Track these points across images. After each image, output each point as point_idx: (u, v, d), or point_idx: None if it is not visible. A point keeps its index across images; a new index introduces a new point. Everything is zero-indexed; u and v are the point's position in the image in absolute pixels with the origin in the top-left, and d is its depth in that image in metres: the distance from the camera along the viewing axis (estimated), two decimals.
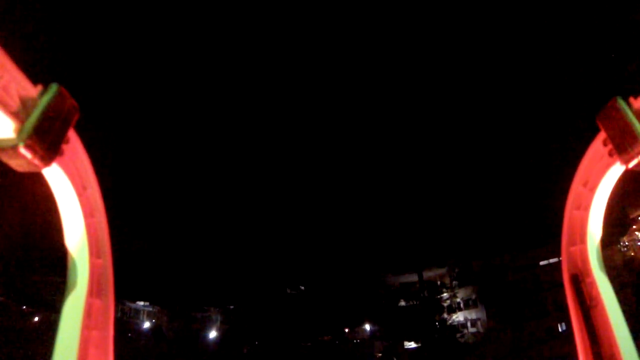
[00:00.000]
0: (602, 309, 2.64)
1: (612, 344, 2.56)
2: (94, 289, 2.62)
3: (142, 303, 60.37)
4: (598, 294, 2.69)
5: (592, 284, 2.74)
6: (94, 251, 2.62)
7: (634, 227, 50.14)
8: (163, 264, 56.06)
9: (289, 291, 60.67)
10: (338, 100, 67.04)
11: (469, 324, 52.15)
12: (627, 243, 51.78)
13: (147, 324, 60.03)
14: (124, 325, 52.26)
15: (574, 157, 2.81)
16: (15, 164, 2.03)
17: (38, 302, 39.38)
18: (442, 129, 62.07)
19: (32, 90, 2.06)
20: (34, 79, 2.08)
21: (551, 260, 47.90)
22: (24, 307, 40.91)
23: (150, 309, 61.21)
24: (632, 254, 50.23)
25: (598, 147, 2.56)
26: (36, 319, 40.98)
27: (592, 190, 2.70)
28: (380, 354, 52.78)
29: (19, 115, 1.95)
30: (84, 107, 2.37)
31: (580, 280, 2.81)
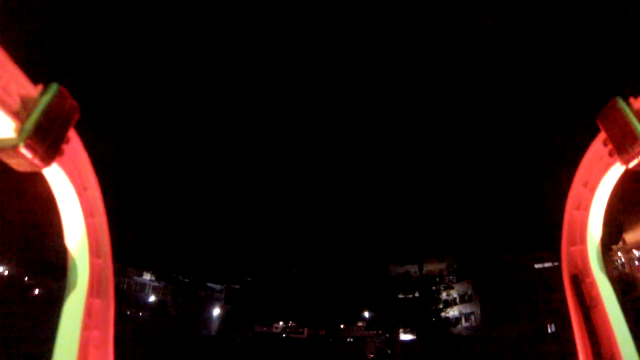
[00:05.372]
0: (602, 309, 2.63)
1: (612, 344, 2.55)
2: (94, 289, 2.62)
3: (148, 277, 60.87)
4: (598, 294, 2.68)
5: (592, 284, 2.73)
6: (94, 251, 2.62)
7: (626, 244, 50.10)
8: (172, 240, 56.52)
9: (294, 270, 61.05)
10: (349, 93, 67.20)
11: (463, 319, 53.22)
12: (623, 260, 51.79)
13: (152, 298, 60.60)
14: (129, 299, 52.93)
15: (574, 157, 2.80)
16: (15, 163, 2.03)
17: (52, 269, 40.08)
18: (446, 128, 62.30)
19: (32, 90, 2.06)
20: (34, 79, 2.08)
21: (546, 265, 49.25)
22: (26, 278, 41.87)
23: (156, 284, 61.70)
24: (628, 271, 50.23)
25: (598, 147, 2.56)
26: (36, 291, 41.78)
27: (592, 190, 2.70)
28: (372, 355, 53.10)
29: (19, 115, 1.95)
30: (84, 107, 2.37)
31: (580, 280, 2.80)
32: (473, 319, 52.10)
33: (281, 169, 66.81)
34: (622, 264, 51.35)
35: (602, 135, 2.50)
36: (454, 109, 59.35)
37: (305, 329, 60.40)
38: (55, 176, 2.31)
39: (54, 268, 39.05)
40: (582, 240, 2.83)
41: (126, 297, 51.24)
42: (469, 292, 52.96)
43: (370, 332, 57.73)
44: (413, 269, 56.03)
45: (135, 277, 58.84)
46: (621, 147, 2.30)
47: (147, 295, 60.31)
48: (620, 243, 49.73)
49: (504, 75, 52.43)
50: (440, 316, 51.75)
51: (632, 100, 2.29)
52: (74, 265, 2.54)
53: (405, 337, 53.43)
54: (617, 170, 2.51)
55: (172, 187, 58.38)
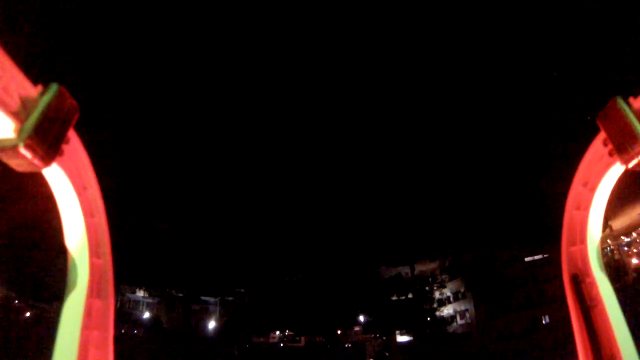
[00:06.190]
0: (602, 309, 2.64)
1: (612, 344, 2.56)
2: (94, 289, 2.63)
3: (141, 294, 60.95)
4: (598, 293, 2.69)
5: (592, 284, 2.74)
6: (94, 251, 2.63)
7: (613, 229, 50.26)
8: (164, 254, 56.23)
9: (287, 279, 61.04)
10: (333, 95, 66.78)
11: (458, 317, 53.26)
12: (612, 247, 51.85)
13: (146, 315, 60.59)
14: (124, 317, 52.98)
15: (574, 157, 2.81)
16: (15, 164, 2.03)
17: (41, 294, 40.01)
18: (440, 127, 62.00)
19: (32, 90, 2.06)
20: (34, 79, 2.08)
21: (536, 257, 49.24)
22: (16, 301, 41.77)
23: (150, 300, 61.72)
24: (617, 257, 50.35)
25: (598, 147, 2.57)
26: (27, 314, 41.69)
27: (592, 190, 2.70)
28: (371, 359, 52.97)
29: (19, 115, 1.95)
30: (84, 107, 2.37)
31: (580, 280, 2.81)
32: (467, 316, 52.18)
33: (267, 174, 66.48)
34: (612, 251, 51.60)
35: (602, 135, 2.51)
36: (447, 108, 59.18)
37: (302, 337, 60.33)
38: (55, 176, 2.32)
39: (45, 290, 38.89)
40: (582, 240, 2.84)
41: (121, 315, 51.33)
42: (462, 290, 53.04)
43: (368, 336, 57.60)
44: (405, 270, 55.95)
45: (128, 295, 58.91)
46: (621, 147, 2.31)
47: (142, 312, 60.40)
48: (608, 230, 49.91)
49: (501, 73, 52.37)
50: (435, 315, 51.88)
51: (632, 100, 2.29)
52: (74, 265, 2.54)
53: (402, 338, 53.42)
54: (617, 170, 2.52)
55: (158, 201, 58.10)
